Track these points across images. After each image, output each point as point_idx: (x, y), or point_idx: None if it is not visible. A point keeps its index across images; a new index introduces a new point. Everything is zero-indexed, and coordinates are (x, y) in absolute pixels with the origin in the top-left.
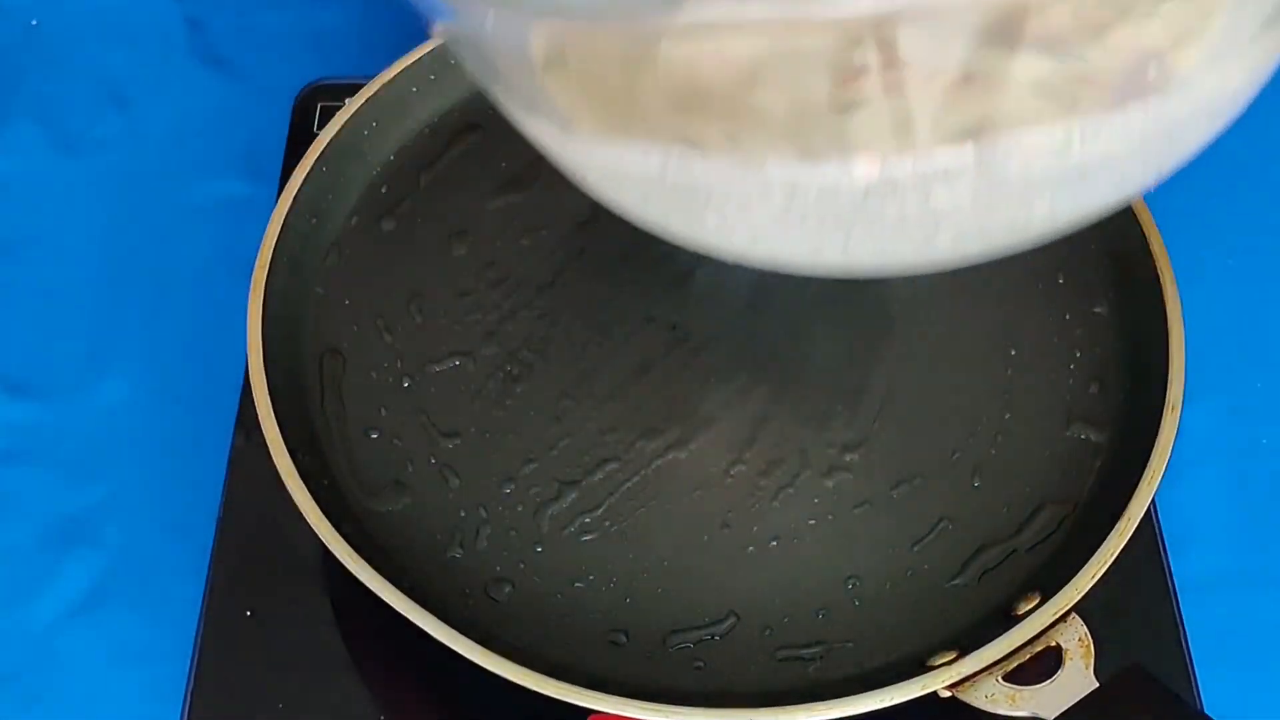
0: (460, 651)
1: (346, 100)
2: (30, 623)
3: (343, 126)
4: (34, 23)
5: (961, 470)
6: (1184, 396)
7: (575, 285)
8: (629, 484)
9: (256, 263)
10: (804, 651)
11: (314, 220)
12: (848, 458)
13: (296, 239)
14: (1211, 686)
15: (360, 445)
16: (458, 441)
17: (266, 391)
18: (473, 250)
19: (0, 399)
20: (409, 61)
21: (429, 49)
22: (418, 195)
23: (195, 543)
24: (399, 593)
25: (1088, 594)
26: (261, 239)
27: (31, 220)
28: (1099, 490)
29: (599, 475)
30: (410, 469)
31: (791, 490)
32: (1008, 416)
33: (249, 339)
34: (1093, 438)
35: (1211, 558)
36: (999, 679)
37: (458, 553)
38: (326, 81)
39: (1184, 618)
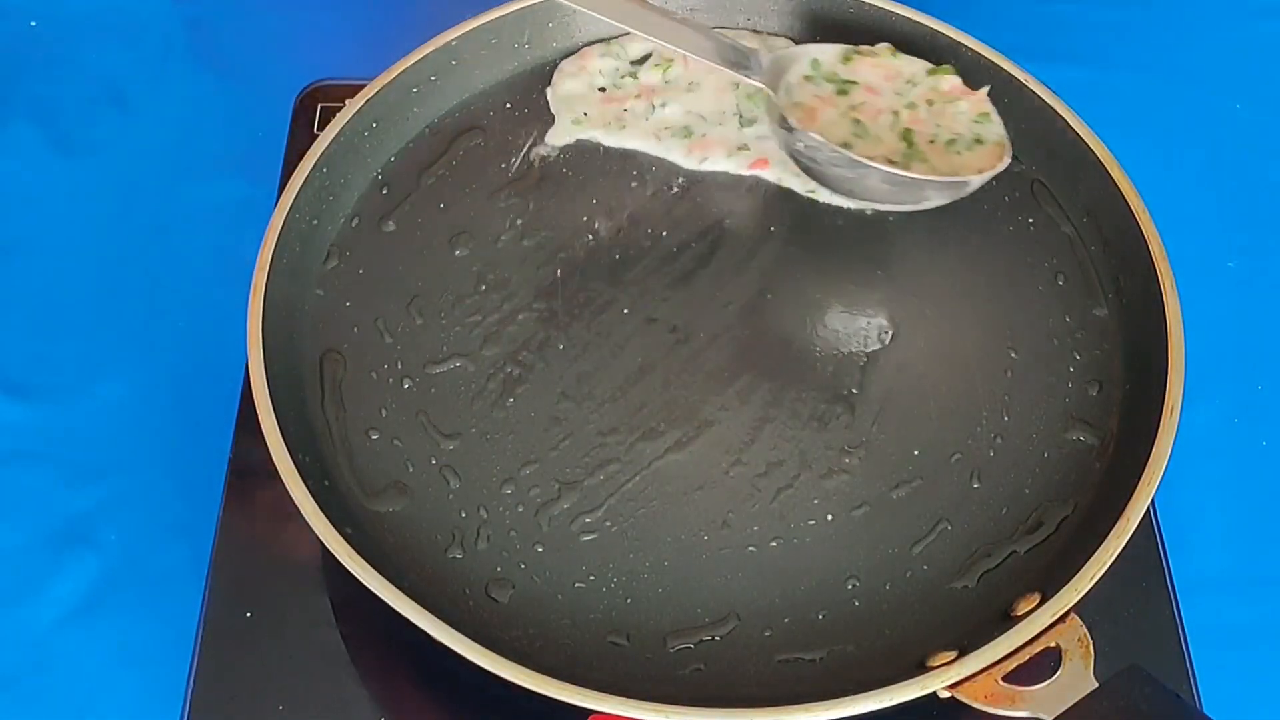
0: (460, 651)
1: (346, 101)
2: (30, 624)
3: (343, 127)
4: (33, 24)
5: (961, 472)
6: (1184, 398)
7: (576, 287)
8: (629, 485)
9: (256, 264)
10: (804, 653)
11: (314, 221)
12: (847, 459)
13: (296, 240)
14: (1211, 686)
15: (360, 445)
16: (458, 442)
17: (267, 392)
18: (474, 252)
19: None
20: (409, 62)
21: (429, 50)
22: (418, 196)
23: (195, 543)
24: (399, 593)
25: (1087, 594)
26: (261, 240)
27: (30, 221)
28: (1099, 491)
29: (599, 476)
30: (410, 469)
31: (791, 491)
32: (1007, 418)
33: (249, 339)
34: (1092, 439)
35: (1211, 558)
36: (999, 679)
37: (458, 553)
38: (326, 82)
39: (1183, 618)
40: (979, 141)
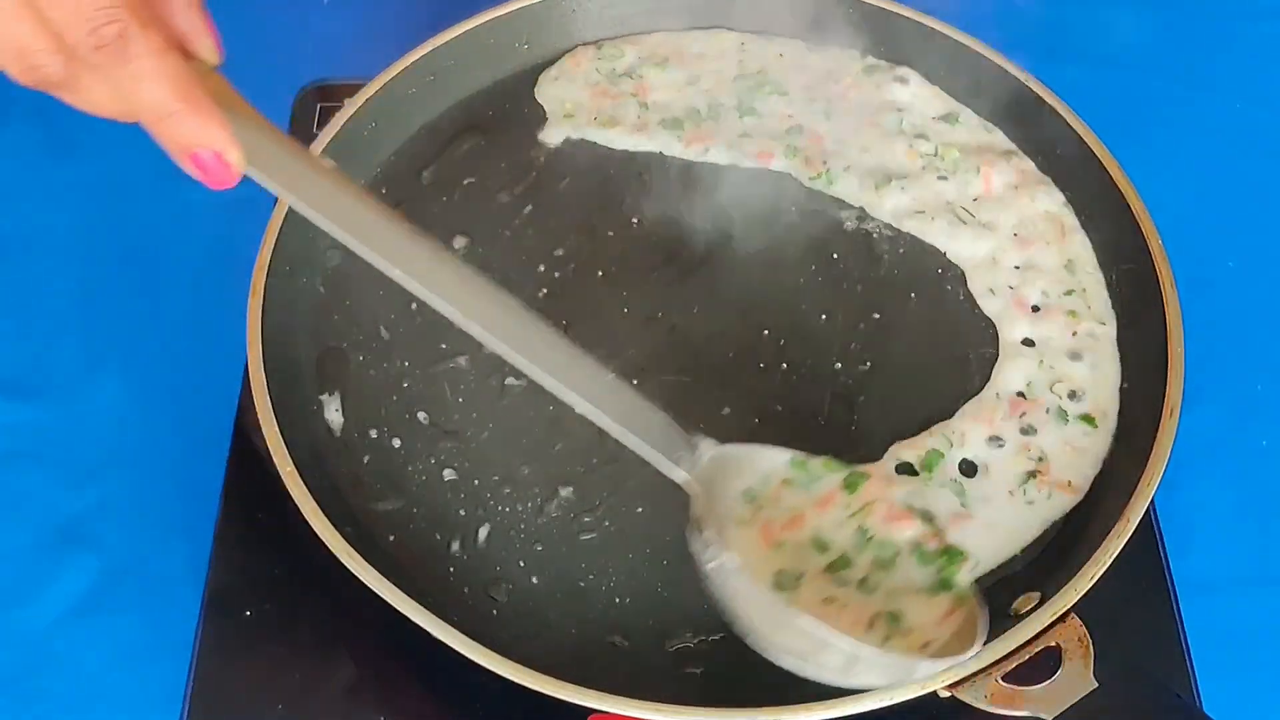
0: (460, 651)
1: (346, 101)
2: (30, 624)
3: (342, 127)
4: None
5: None
6: (1184, 399)
7: (575, 286)
8: (628, 484)
9: (256, 264)
10: None
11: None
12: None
13: (296, 240)
14: (1211, 686)
15: (360, 445)
16: (457, 441)
17: (266, 391)
18: (472, 251)
19: None
20: (408, 62)
21: (428, 49)
22: (417, 196)
23: (195, 543)
24: (399, 592)
25: (1087, 594)
26: (261, 240)
27: (30, 222)
28: (1099, 492)
29: (598, 475)
30: (410, 469)
31: None
32: None
33: (249, 339)
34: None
35: (1211, 558)
36: (999, 679)
37: (458, 553)
38: (326, 82)
39: (1184, 618)
40: (945, 586)
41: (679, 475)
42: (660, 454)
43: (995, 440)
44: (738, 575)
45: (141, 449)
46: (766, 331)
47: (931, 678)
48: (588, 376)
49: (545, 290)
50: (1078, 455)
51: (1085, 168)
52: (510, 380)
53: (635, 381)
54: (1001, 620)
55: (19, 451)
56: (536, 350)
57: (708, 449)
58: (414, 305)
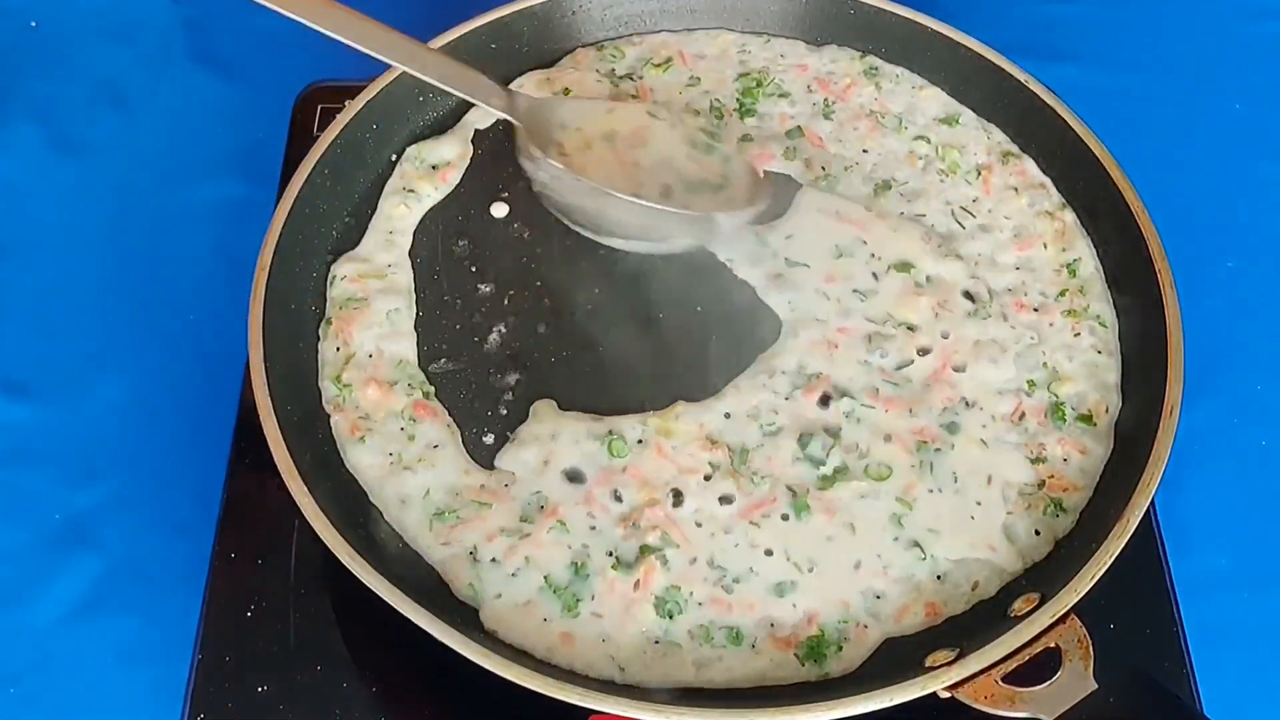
0: (460, 651)
1: (347, 102)
2: (31, 624)
3: (343, 129)
4: (33, 24)
5: None
6: (1183, 399)
7: (576, 287)
8: None
9: (257, 264)
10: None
11: (314, 223)
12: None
13: (297, 241)
14: (1211, 687)
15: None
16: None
17: (267, 392)
18: (473, 251)
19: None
20: None
21: None
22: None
23: (195, 543)
24: (399, 593)
25: (1087, 595)
26: (262, 241)
27: (31, 221)
28: (1098, 492)
29: None
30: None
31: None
32: None
33: (250, 339)
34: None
35: (1211, 558)
36: (998, 680)
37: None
38: (326, 83)
39: (1183, 618)
40: (724, 184)
41: (497, 110)
42: (480, 100)
43: (995, 441)
44: (567, 175)
45: (142, 449)
46: (769, 333)
47: (733, 228)
48: (413, 51)
49: (544, 290)
50: (1077, 455)
51: (1085, 168)
52: (510, 378)
53: (636, 382)
54: (1001, 621)
55: (19, 451)
56: (369, 35)
57: (524, 99)
58: (414, 306)
